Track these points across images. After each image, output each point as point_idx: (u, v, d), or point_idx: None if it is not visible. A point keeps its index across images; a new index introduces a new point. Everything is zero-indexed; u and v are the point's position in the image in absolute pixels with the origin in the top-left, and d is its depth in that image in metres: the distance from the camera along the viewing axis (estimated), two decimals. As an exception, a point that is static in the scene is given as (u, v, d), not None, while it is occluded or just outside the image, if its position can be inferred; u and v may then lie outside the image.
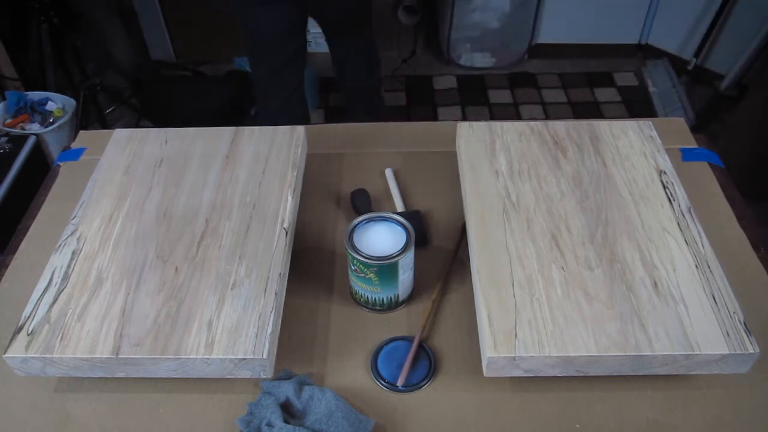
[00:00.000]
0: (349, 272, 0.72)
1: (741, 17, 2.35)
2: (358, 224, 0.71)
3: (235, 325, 0.63)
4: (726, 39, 2.43)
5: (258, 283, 0.67)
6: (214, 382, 0.66)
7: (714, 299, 0.64)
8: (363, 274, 0.69)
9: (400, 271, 0.69)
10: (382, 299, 0.72)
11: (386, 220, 0.71)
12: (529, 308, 0.64)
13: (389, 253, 0.67)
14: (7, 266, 0.80)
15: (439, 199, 0.86)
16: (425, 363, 0.68)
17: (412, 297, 0.75)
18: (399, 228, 0.70)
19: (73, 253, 0.72)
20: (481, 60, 2.72)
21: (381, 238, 0.70)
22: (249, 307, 0.65)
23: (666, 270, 0.67)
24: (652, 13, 2.64)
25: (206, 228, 0.74)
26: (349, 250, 0.68)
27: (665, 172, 0.79)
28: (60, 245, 0.72)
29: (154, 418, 0.64)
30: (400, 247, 0.68)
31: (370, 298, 0.72)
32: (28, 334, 0.63)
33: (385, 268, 0.67)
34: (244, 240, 0.72)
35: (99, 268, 0.70)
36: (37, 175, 0.98)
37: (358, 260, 0.67)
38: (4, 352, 0.62)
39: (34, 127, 2.01)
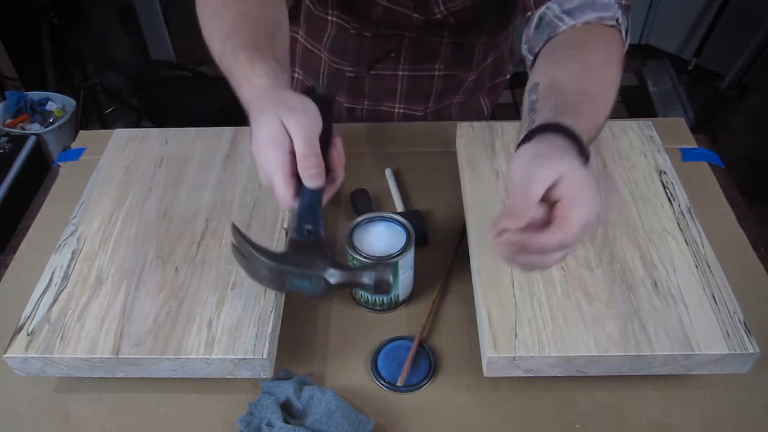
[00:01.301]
0: (349, 272, 0.72)
1: (741, 17, 2.34)
2: (358, 224, 0.71)
3: (235, 325, 0.63)
4: (726, 39, 2.43)
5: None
6: (214, 382, 0.66)
7: (714, 299, 0.64)
8: (363, 274, 0.69)
9: (400, 271, 0.69)
10: (382, 299, 0.72)
11: (386, 220, 0.71)
12: (529, 308, 0.64)
13: (389, 253, 0.67)
14: (7, 266, 0.80)
15: (439, 199, 0.86)
16: (425, 363, 0.68)
17: (412, 297, 0.75)
18: (399, 228, 0.70)
19: (73, 253, 0.71)
20: (481, 60, 2.72)
21: (381, 238, 0.70)
22: (249, 307, 0.65)
23: (666, 270, 0.67)
24: (652, 13, 2.64)
25: (206, 228, 0.74)
26: (349, 250, 0.68)
27: (665, 172, 0.79)
28: (60, 245, 0.72)
29: (154, 418, 0.64)
30: (400, 247, 0.68)
31: (370, 298, 0.72)
32: (28, 334, 0.63)
33: (385, 268, 0.67)
34: (244, 240, 0.72)
35: (99, 268, 0.70)
36: (37, 175, 0.98)
37: (358, 260, 0.67)
38: (4, 352, 0.62)
39: (34, 127, 2.01)
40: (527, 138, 0.52)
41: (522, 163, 0.48)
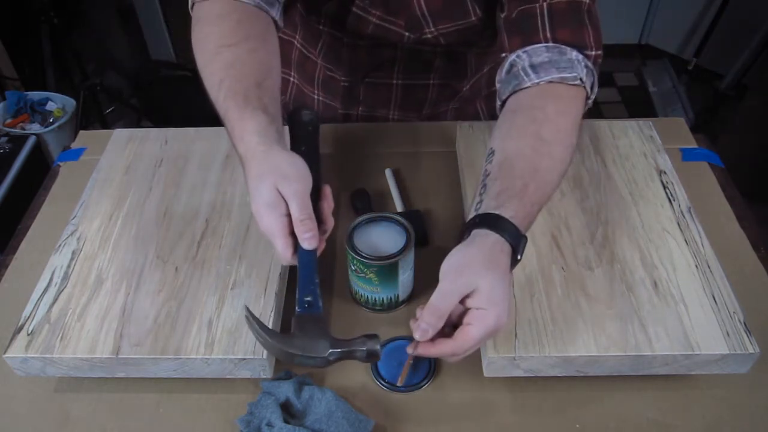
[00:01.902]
0: (349, 272, 0.72)
1: (741, 17, 2.34)
2: (358, 224, 0.71)
3: (235, 325, 0.63)
4: (726, 39, 2.43)
5: (258, 283, 0.67)
6: (214, 382, 0.66)
7: (714, 299, 0.64)
8: (363, 274, 0.69)
9: (400, 271, 0.69)
10: (382, 299, 0.72)
11: (386, 220, 0.71)
12: (529, 308, 0.64)
13: (389, 253, 0.67)
14: (7, 266, 0.80)
15: (439, 199, 0.86)
16: (425, 363, 0.68)
17: (412, 297, 0.75)
18: (399, 228, 0.70)
19: (73, 253, 0.71)
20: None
21: (381, 238, 0.70)
22: (249, 307, 0.65)
23: (666, 270, 0.67)
24: (652, 13, 2.64)
25: (206, 228, 0.74)
26: (349, 251, 0.68)
27: (665, 172, 0.79)
28: (60, 245, 0.72)
29: (154, 418, 0.64)
30: (400, 247, 0.68)
31: (370, 298, 0.72)
32: (28, 334, 0.63)
33: (385, 269, 0.67)
34: (244, 240, 0.72)
35: (99, 268, 0.70)
36: (37, 175, 0.98)
37: (358, 260, 0.67)
38: (4, 352, 0.62)
39: (34, 127, 2.01)
40: (469, 228, 0.60)
41: (448, 268, 0.57)
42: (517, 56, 0.70)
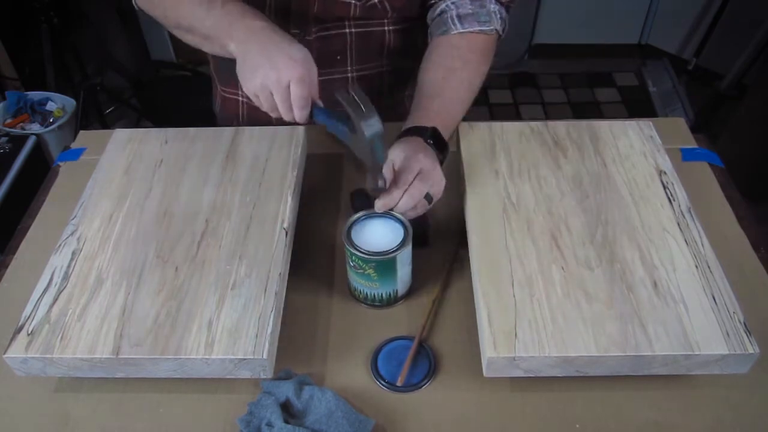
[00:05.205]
0: (348, 269, 0.72)
1: (740, 17, 2.34)
2: (356, 220, 0.71)
3: (235, 325, 0.63)
4: (726, 39, 2.43)
5: (258, 283, 0.67)
6: (214, 382, 0.66)
7: (714, 299, 0.64)
8: (361, 270, 0.69)
9: (399, 267, 0.69)
10: (381, 295, 0.72)
11: (384, 217, 0.71)
12: (529, 308, 0.64)
13: (387, 249, 0.67)
14: (7, 266, 0.80)
15: (440, 199, 0.86)
16: (425, 363, 0.68)
17: (412, 297, 0.75)
18: (397, 224, 0.70)
19: (73, 253, 0.72)
20: (481, 60, 2.71)
21: (379, 233, 0.70)
22: (249, 307, 0.65)
23: (666, 270, 0.67)
24: (652, 13, 2.64)
25: (206, 228, 0.74)
26: (348, 246, 0.68)
27: (665, 172, 0.79)
28: (60, 245, 0.72)
29: (154, 418, 0.64)
30: (398, 243, 0.68)
31: (368, 294, 0.72)
32: (28, 334, 0.63)
33: (384, 264, 0.68)
34: (244, 240, 0.72)
35: (99, 268, 0.70)
36: (37, 175, 0.98)
37: (356, 256, 0.67)
38: (4, 352, 0.62)
39: (34, 127, 2.00)
40: (403, 135, 0.77)
41: (401, 157, 0.71)
42: (447, 5, 0.85)
